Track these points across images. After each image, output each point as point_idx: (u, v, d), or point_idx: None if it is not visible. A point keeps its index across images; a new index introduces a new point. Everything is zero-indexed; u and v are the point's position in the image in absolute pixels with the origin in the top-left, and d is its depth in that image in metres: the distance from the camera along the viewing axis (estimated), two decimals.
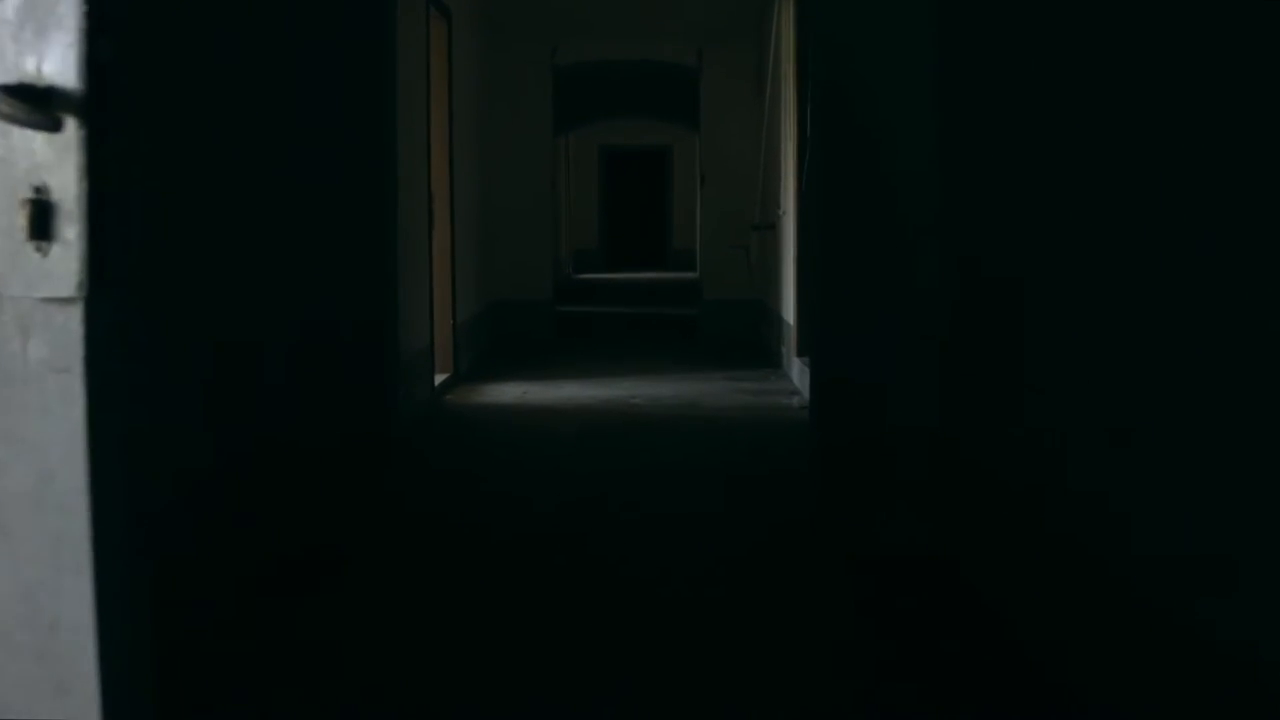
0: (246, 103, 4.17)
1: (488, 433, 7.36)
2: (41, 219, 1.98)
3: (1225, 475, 2.42)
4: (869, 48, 4.88)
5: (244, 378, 4.25)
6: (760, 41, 11.62)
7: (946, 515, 4.54)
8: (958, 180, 4.45)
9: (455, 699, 3.35)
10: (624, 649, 3.71)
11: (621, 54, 12.27)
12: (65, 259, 1.98)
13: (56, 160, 1.97)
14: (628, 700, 3.35)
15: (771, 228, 10.64)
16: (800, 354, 9.04)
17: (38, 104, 1.95)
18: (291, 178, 4.73)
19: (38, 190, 1.98)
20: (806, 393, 8.38)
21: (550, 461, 6.50)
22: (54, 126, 1.96)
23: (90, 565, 2.01)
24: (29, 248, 1.99)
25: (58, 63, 1.96)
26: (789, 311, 9.57)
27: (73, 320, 2.00)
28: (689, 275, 22.14)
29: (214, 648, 3.69)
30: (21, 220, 1.98)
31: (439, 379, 8.81)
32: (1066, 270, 3.30)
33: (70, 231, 1.98)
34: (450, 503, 5.59)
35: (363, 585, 4.33)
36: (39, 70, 1.97)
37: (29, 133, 1.98)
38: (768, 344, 11.15)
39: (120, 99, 2.02)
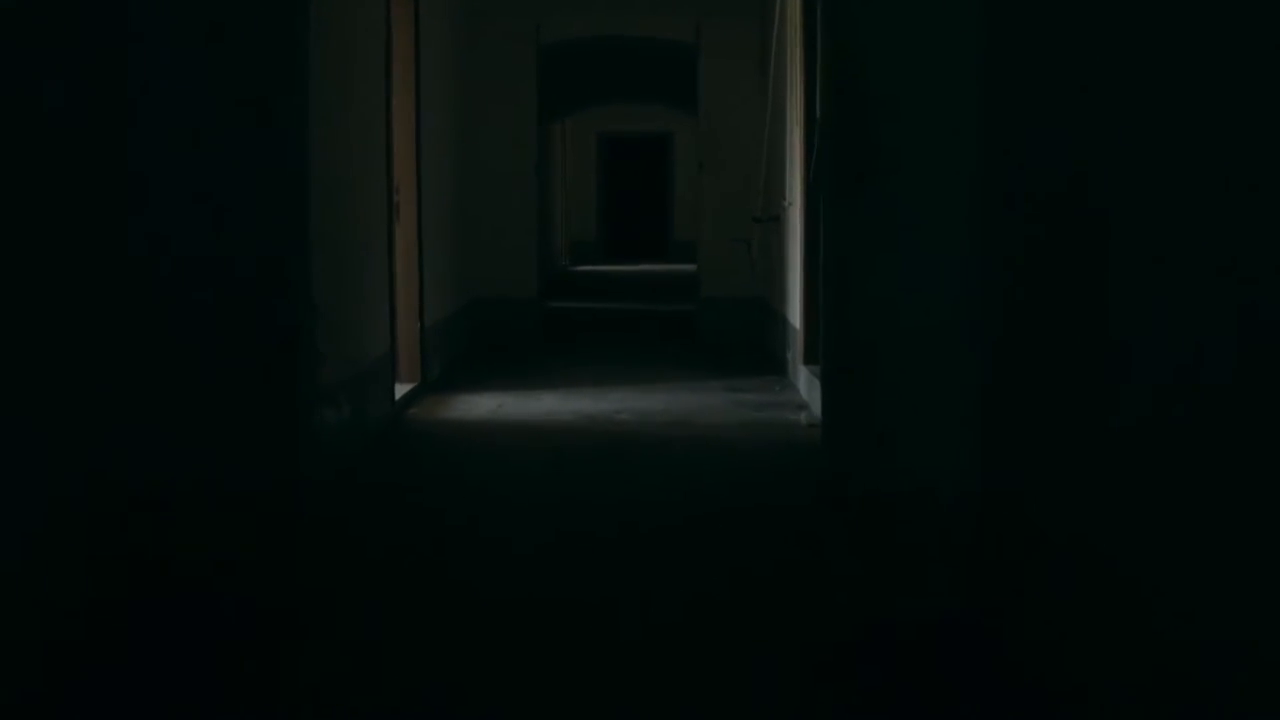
0: None
1: (446, 457, 6.42)
2: None
3: None
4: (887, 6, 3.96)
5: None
6: (763, 16, 10.67)
7: (987, 585, 3.61)
8: (1008, 153, 3.51)
9: None
10: None
11: (612, 30, 11.30)
12: None
13: None
14: None
15: (776, 220, 9.70)
16: (807, 361, 8.12)
17: None
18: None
19: None
20: (815, 406, 7.46)
21: (510, 498, 5.57)
22: None
23: None
24: None
25: None
26: (795, 314, 8.63)
27: None
28: (691, 268, 21.20)
29: None
30: None
31: (404, 389, 7.89)
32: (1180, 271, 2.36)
33: None
34: (374, 547, 4.65)
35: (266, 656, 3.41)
36: None
37: None
38: (771, 347, 10.21)
39: None
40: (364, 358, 6.68)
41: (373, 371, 6.87)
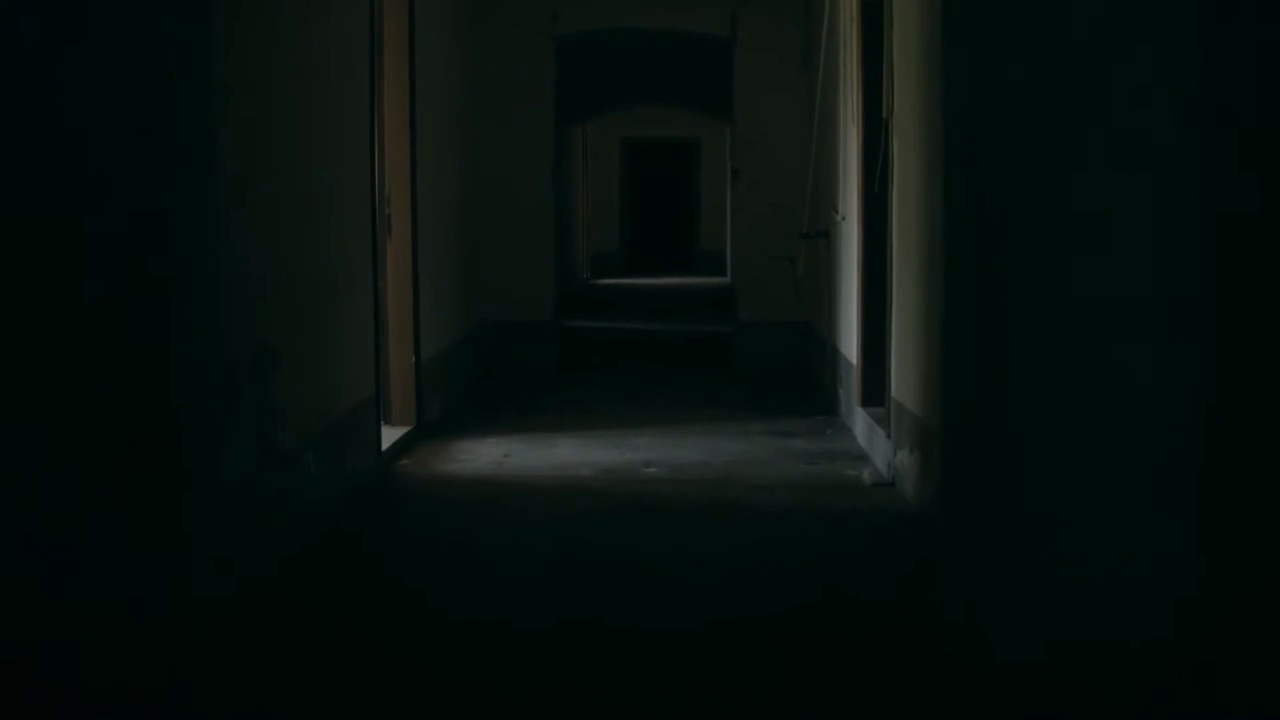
0: None
1: (437, 529, 5.24)
2: None
3: None
4: None
5: None
6: (808, 5, 9.50)
7: None
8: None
9: None
10: None
11: (638, 21, 10.09)
12: None
13: None
14: None
15: (825, 236, 8.52)
16: (865, 403, 6.94)
17: None
18: None
19: None
20: (878, 459, 6.30)
21: (513, 583, 4.40)
22: None
23: None
24: None
25: None
26: (849, 345, 7.45)
27: None
28: (718, 280, 20.17)
29: None
30: None
31: (397, 433, 6.75)
32: None
33: None
34: (317, 658, 3.49)
35: None
36: None
37: None
38: (818, 379, 9.03)
39: None
40: (340, 404, 5.53)
41: (352, 419, 5.72)
